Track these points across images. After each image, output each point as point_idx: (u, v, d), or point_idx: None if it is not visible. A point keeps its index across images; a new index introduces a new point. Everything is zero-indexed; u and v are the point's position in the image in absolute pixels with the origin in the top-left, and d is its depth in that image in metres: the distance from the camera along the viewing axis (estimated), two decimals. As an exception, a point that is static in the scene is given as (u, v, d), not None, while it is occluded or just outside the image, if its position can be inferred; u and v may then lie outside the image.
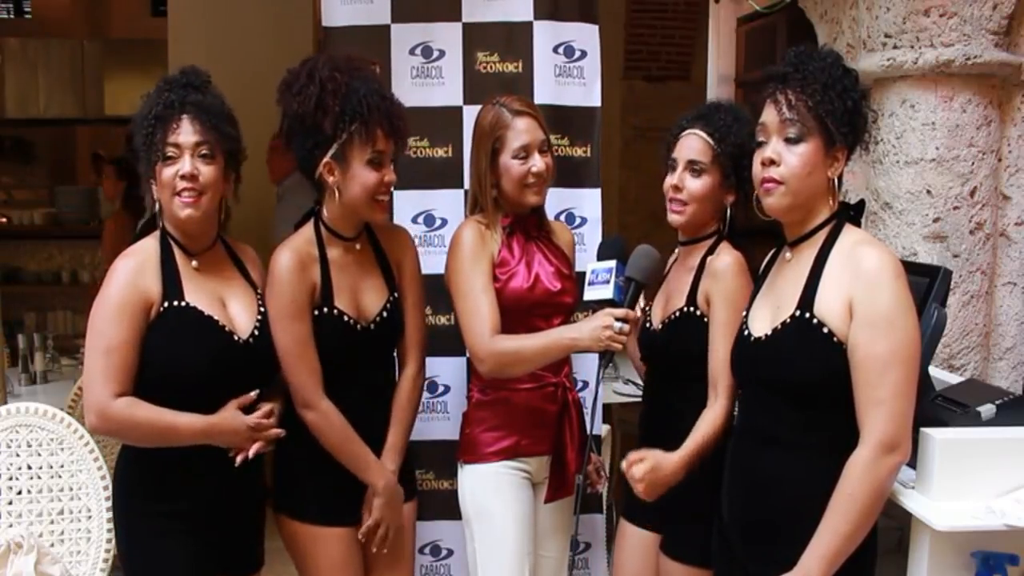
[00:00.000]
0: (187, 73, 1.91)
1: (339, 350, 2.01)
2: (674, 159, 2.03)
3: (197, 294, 1.89)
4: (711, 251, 2.02)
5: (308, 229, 2.05)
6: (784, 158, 1.65)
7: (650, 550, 2.07)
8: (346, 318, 2.01)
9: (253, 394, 1.92)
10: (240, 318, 1.94)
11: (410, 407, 2.14)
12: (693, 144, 2.00)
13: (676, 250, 2.14)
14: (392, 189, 2.08)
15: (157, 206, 1.90)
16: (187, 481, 1.89)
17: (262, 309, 1.97)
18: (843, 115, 1.65)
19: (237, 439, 1.89)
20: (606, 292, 1.93)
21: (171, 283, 1.87)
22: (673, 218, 2.03)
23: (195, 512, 1.89)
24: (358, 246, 2.08)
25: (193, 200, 1.85)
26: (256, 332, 1.94)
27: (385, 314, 2.08)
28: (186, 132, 1.84)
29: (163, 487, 1.89)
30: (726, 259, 1.97)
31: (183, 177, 1.84)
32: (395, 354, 2.18)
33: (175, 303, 1.86)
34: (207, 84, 1.92)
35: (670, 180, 2.02)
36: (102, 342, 1.82)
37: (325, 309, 2.00)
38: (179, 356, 1.85)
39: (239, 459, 1.89)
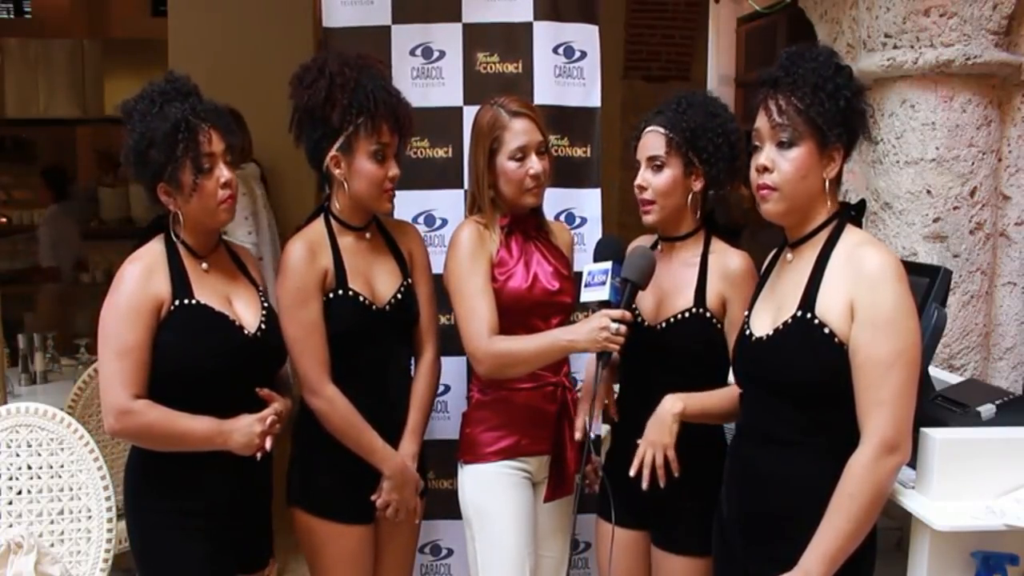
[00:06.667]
0: (177, 81, 1.90)
1: (354, 330, 2.04)
2: (637, 160, 2.04)
3: (205, 293, 1.91)
4: (706, 248, 2.03)
5: (319, 222, 2.09)
6: (777, 164, 1.65)
7: (637, 548, 2.07)
8: (361, 298, 2.05)
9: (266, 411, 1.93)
10: (246, 314, 1.96)
11: (429, 392, 2.19)
12: (650, 141, 2.02)
13: (659, 245, 2.10)
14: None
15: (174, 213, 1.90)
16: (199, 478, 1.90)
17: (265, 305, 2.01)
18: (836, 115, 1.63)
19: (248, 437, 1.88)
20: (602, 293, 1.93)
21: (180, 283, 1.89)
22: (646, 219, 2.03)
23: (208, 509, 1.90)
24: (368, 235, 2.13)
25: (233, 204, 1.91)
26: (263, 326, 1.97)
27: (400, 296, 2.12)
28: (216, 141, 1.86)
29: (176, 485, 1.90)
30: (738, 261, 2.00)
31: (225, 185, 1.87)
32: (410, 345, 2.20)
33: (185, 301, 1.88)
34: (197, 89, 1.92)
35: (636, 181, 2.03)
36: (116, 345, 1.84)
37: (340, 291, 2.03)
38: (193, 352, 1.86)
39: (259, 454, 1.90)
